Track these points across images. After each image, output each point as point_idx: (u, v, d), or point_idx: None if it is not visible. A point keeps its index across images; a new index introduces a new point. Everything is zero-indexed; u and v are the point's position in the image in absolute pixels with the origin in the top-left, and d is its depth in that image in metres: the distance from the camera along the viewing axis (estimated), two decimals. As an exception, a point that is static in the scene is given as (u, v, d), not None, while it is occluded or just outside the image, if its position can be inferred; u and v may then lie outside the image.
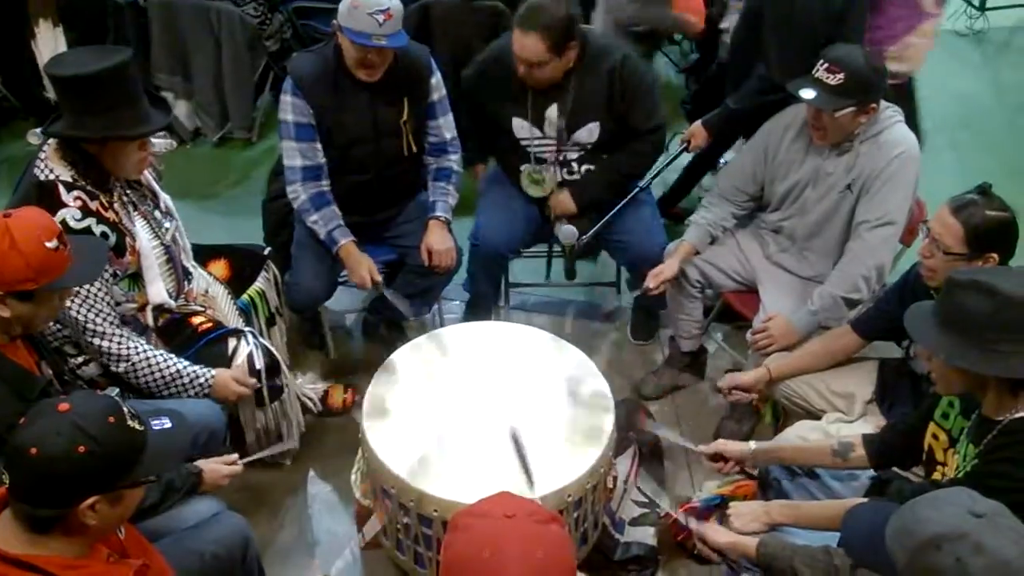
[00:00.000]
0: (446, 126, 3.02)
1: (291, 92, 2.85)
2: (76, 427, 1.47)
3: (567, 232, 3.01)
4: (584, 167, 3.09)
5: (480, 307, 3.37)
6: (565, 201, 3.10)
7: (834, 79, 2.51)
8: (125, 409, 1.56)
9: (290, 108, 2.86)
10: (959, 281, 1.80)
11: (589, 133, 3.00)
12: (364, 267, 2.93)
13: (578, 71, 2.91)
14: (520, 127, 3.03)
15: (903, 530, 1.45)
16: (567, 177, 3.11)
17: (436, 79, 2.95)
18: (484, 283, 3.32)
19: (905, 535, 1.44)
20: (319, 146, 2.90)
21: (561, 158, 3.06)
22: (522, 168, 3.11)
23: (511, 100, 3.00)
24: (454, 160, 3.07)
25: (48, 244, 1.89)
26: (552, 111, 2.97)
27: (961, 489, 1.50)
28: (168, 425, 1.65)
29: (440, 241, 2.97)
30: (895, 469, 2.23)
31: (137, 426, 1.56)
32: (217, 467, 2.23)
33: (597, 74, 2.92)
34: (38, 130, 3.09)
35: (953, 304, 1.80)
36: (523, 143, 3.05)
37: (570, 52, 2.85)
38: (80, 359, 2.44)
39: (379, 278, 2.94)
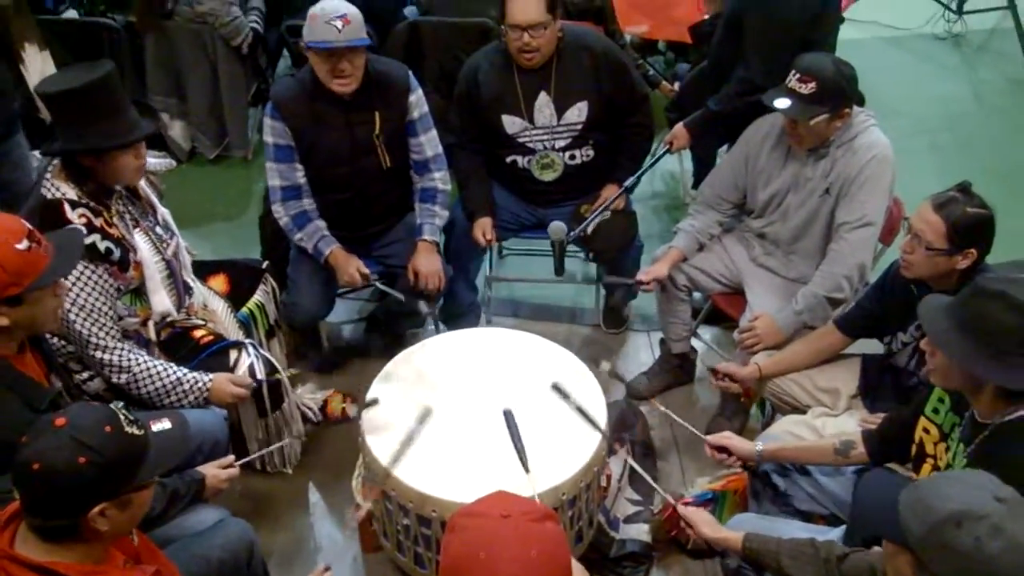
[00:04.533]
0: (428, 144, 3.09)
1: (270, 115, 2.95)
2: (74, 440, 1.50)
3: (556, 228, 3.08)
4: (584, 151, 3.20)
5: (460, 315, 3.42)
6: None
7: (807, 88, 2.59)
8: (122, 416, 1.58)
9: (270, 130, 2.96)
10: (987, 290, 1.81)
11: (579, 112, 3.12)
12: (352, 266, 3.01)
13: (561, 55, 3.07)
14: (511, 123, 3.14)
15: (922, 504, 1.45)
16: (569, 163, 3.21)
17: (416, 96, 3.01)
18: (461, 283, 3.35)
19: (924, 508, 1.44)
20: (298, 166, 3.00)
21: (553, 145, 3.18)
22: (529, 159, 3.21)
23: (501, 98, 3.12)
24: (438, 179, 3.13)
25: (19, 246, 1.89)
26: (542, 98, 3.10)
27: (984, 472, 1.51)
28: (168, 426, 1.69)
29: (427, 263, 3.04)
30: (891, 465, 2.26)
31: (136, 431, 1.59)
32: (216, 471, 2.27)
33: (579, 56, 3.09)
34: (36, 152, 3.15)
35: (976, 310, 1.81)
36: (518, 139, 3.16)
37: (558, 20, 3.00)
38: (85, 375, 2.50)
39: (367, 271, 3.03)
